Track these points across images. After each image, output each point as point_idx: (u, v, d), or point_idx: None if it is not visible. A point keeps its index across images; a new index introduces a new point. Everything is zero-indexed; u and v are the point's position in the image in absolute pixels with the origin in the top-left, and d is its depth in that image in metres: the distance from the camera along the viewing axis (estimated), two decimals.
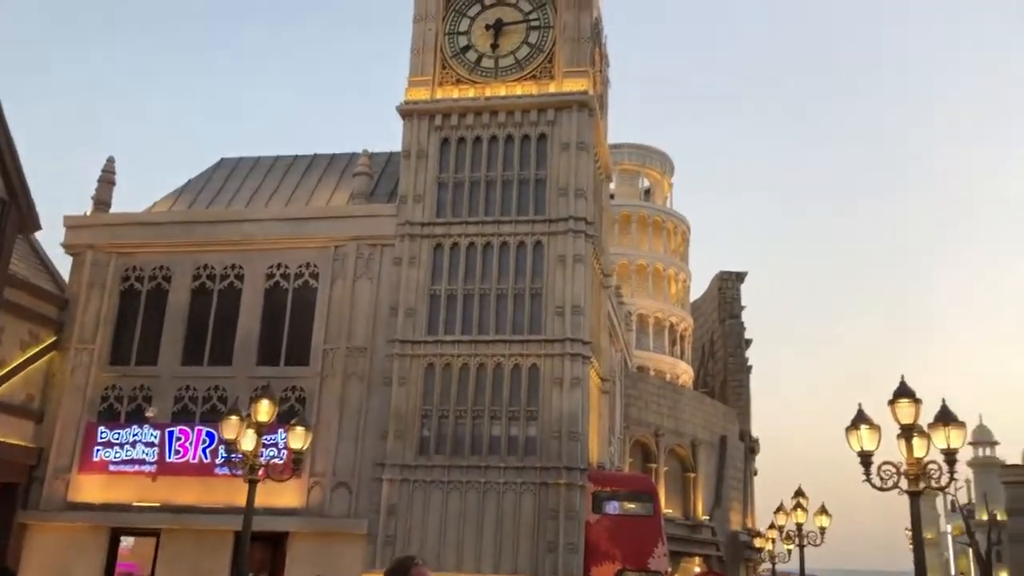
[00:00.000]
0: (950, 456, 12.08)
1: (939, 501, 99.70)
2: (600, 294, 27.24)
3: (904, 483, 12.36)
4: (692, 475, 38.19)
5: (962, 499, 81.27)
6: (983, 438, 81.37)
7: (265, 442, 22.25)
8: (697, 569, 37.73)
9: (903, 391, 12.53)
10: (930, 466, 12.25)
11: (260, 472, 15.03)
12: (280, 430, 23.07)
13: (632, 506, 22.74)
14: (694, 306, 53.42)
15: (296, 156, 28.39)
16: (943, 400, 12.42)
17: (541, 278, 23.15)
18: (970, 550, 67.46)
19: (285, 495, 22.69)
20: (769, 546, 32.88)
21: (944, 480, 12.14)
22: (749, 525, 41.97)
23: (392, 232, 24.04)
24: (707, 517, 38.10)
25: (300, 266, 24.66)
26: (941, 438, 12.09)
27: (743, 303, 49.94)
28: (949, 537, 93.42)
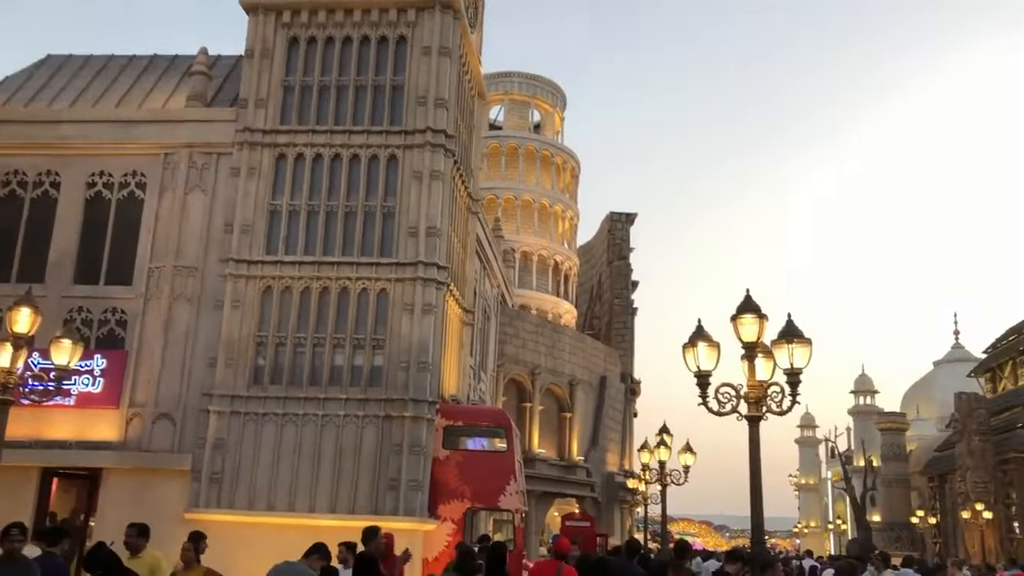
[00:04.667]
0: (793, 376, 10.79)
1: (821, 448, 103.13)
2: (467, 219, 25.45)
3: (744, 407, 11.03)
4: (568, 415, 37.17)
5: (843, 446, 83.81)
6: (864, 387, 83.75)
7: (79, 367, 19.99)
8: (576, 510, 36.92)
9: (747, 306, 11.15)
10: (771, 388, 10.94)
11: (18, 393, 12.77)
12: (97, 355, 20.82)
13: (485, 441, 21.31)
14: (585, 248, 52.28)
15: (133, 56, 25.46)
16: (788, 315, 11.09)
17: (394, 196, 21.15)
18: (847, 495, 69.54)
19: (101, 427, 20.45)
20: (641, 487, 32.09)
21: (786, 404, 10.85)
22: (626, 467, 41.40)
23: (230, 140, 21.59)
24: (582, 458, 37.22)
25: (126, 175, 22.04)
26: (784, 355, 10.77)
27: (632, 245, 48.98)
28: (829, 483, 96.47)
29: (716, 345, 11.31)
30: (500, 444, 21.08)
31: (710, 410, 11.10)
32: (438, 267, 20.71)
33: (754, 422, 11.00)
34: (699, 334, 11.37)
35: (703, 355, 11.21)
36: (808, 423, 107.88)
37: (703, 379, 11.20)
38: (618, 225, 48.80)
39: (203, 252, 21.20)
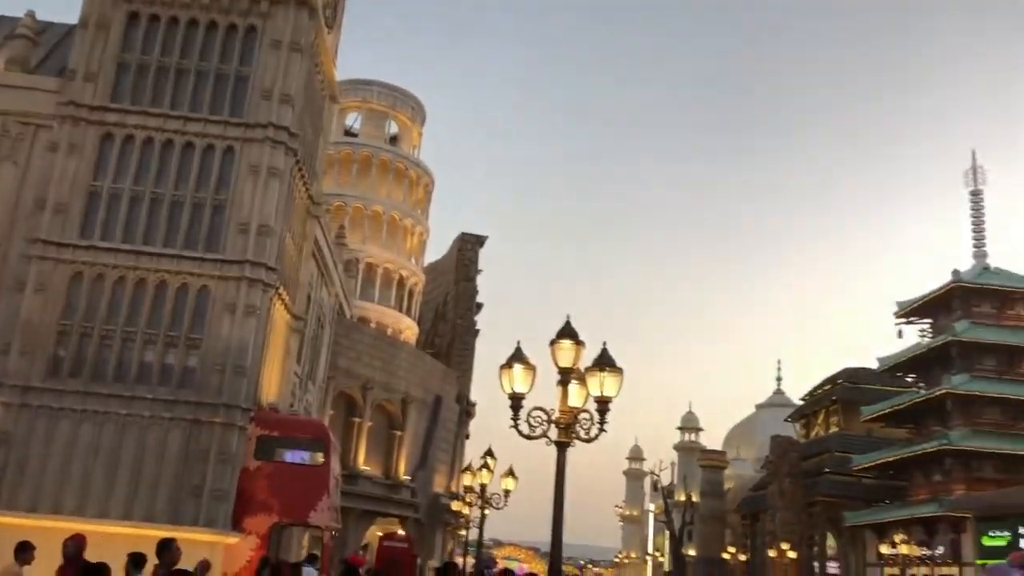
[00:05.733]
0: (603, 404, 10.74)
1: (647, 481, 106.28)
2: (306, 222, 24.62)
3: (554, 432, 10.90)
4: (399, 433, 36.51)
5: (668, 480, 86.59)
6: (690, 424, 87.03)
7: None
8: (400, 532, 36.19)
9: (566, 332, 11.05)
10: (582, 415, 10.87)
11: None
12: None
13: (302, 454, 20.45)
14: (433, 266, 51.93)
15: None
16: (604, 344, 11.08)
17: (227, 189, 20.18)
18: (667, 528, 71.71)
19: None
20: (466, 510, 31.78)
21: (594, 431, 10.79)
22: (454, 489, 41.03)
23: (51, 112, 20.05)
24: (408, 478, 36.61)
25: None
26: (596, 384, 10.72)
27: (480, 267, 49.04)
28: (651, 515, 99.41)
29: (532, 368, 11.14)
30: (316, 458, 20.28)
31: (520, 433, 10.90)
32: (267, 268, 19.85)
33: (562, 447, 10.89)
34: (517, 356, 11.16)
35: (518, 377, 11.01)
36: (636, 456, 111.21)
37: (516, 401, 11.00)
38: (468, 246, 48.75)
39: (8, 229, 19.53)
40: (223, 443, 18.63)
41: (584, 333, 11.18)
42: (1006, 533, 32.62)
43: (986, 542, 33.92)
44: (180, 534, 14.08)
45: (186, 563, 10.58)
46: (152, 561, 10.23)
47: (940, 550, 38.02)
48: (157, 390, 18.81)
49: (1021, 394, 39.13)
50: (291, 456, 20.29)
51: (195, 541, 16.73)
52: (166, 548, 10.63)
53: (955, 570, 37.32)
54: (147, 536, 17.83)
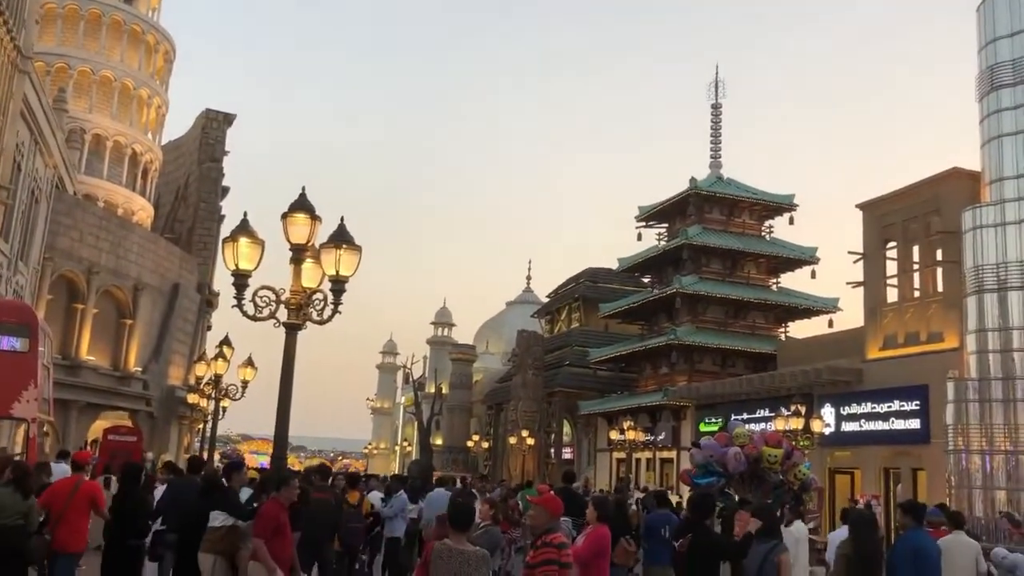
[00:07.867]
0: (338, 284, 10.02)
1: (399, 375, 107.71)
2: (12, 77, 21.44)
3: (284, 313, 10.06)
4: (129, 322, 33.81)
5: (420, 374, 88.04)
6: (443, 319, 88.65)
7: None
8: (129, 425, 33.91)
9: (301, 204, 10.15)
10: (315, 296, 10.10)
11: None
12: None
13: (3, 339, 18.14)
14: (174, 144, 47.95)
15: None
16: (342, 219, 10.28)
17: None
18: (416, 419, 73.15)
19: None
20: (203, 402, 30.21)
21: (327, 313, 10.08)
22: (192, 381, 38.98)
23: None
24: (140, 369, 34.20)
25: None
26: (331, 262, 9.95)
27: (227, 148, 45.82)
28: (402, 407, 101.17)
29: (260, 243, 10.17)
30: (22, 344, 18.06)
31: (245, 314, 9.98)
32: None
33: (292, 330, 10.11)
34: (242, 229, 10.11)
35: (244, 253, 10.00)
36: (390, 350, 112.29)
37: (241, 279, 10.02)
38: (214, 124, 45.24)
39: None
40: None
41: (327, 215, 10.30)
42: (720, 420, 35.77)
43: (703, 428, 37.05)
44: None
45: None
46: None
47: (662, 436, 41.35)
48: None
49: (739, 295, 42.67)
50: None
51: None
52: None
53: (674, 453, 40.81)
54: None
